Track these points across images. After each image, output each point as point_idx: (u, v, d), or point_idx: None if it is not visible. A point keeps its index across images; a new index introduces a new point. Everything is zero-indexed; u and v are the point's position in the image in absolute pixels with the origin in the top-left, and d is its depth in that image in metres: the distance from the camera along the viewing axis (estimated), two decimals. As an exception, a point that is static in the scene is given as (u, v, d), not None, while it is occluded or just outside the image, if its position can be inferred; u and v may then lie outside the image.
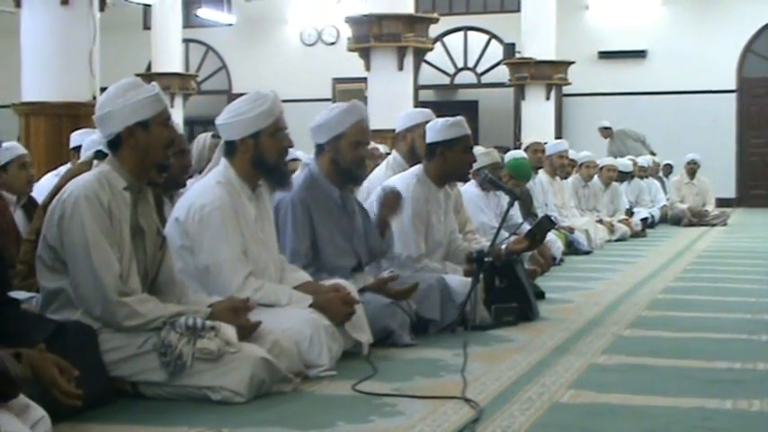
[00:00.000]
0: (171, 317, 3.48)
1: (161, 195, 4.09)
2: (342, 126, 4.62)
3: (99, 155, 3.73)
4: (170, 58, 19.81)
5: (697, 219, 13.88)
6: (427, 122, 5.82)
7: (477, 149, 7.42)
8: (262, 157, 4.07)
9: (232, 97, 21.64)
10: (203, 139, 6.30)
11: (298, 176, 4.70)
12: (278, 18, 22.15)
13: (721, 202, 16.07)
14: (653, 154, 15.48)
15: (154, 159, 3.60)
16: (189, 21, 20.96)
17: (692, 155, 15.00)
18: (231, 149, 4.11)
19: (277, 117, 4.10)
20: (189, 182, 4.79)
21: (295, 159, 7.32)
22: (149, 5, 20.20)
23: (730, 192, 19.18)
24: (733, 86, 19.77)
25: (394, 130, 6.42)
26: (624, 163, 13.47)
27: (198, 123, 21.22)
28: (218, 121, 4.14)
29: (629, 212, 12.38)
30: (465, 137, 5.34)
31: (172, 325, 3.44)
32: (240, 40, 22.33)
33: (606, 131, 16.65)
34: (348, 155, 4.62)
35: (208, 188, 4.05)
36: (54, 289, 3.50)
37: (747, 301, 6.24)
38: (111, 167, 3.55)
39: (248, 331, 3.63)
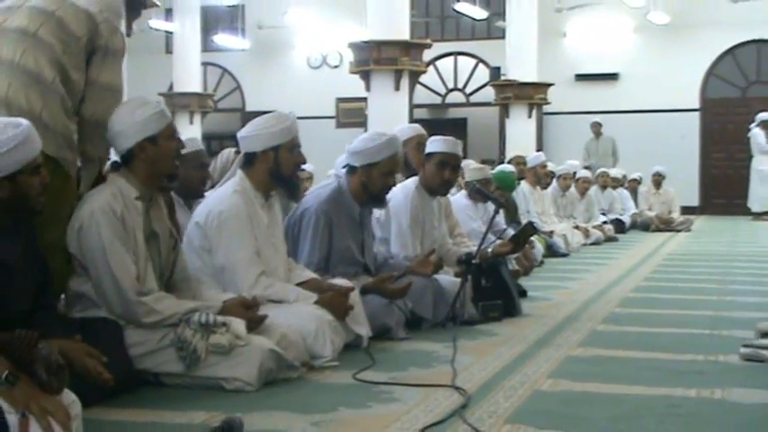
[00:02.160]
0: (186, 313, 3.48)
1: (172, 200, 4.09)
2: (378, 156, 4.65)
3: (114, 165, 3.69)
4: (190, 80, 19.83)
5: (664, 225, 13.89)
6: (419, 136, 5.84)
7: (471, 164, 7.44)
8: (279, 169, 4.10)
9: (246, 115, 21.83)
10: (227, 153, 6.30)
11: (325, 187, 4.71)
12: (287, 44, 22.15)
13: (686, 210, 16.06)
14: (615, 159, 15.51)
15: (163, 170, 3.60)
16: (207, 46, 20.99)
17: (658, 167, 15.04)
18: (251, 160, 4.13)
19: (295, 135, 4.14)
20: (207, 193, 4.80)
21: (301, 170, 7.29)
22: (171, 32, 20.23)
23: (694, 200, 19.17)
24: (697, 106, 19.76)
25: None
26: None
27: (214, 138, 21.23)
28: (242, 134, 4.16)
29: (612, 221, 12.47)
30: (440, 153, 5.30)
31: (187, 322, 3.45)
32: (253, 63, 22.33)
33: (597, 127, 16.86)
34: (379, 182, 4.66)
35: (225, 196, 4.07)
36: (78, 291, 3.50)
37: (710, 299, 6.23)
38: (125, 179, 3.55)
39: (256, 324, 3.63)
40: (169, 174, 3.65)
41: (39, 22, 3.64)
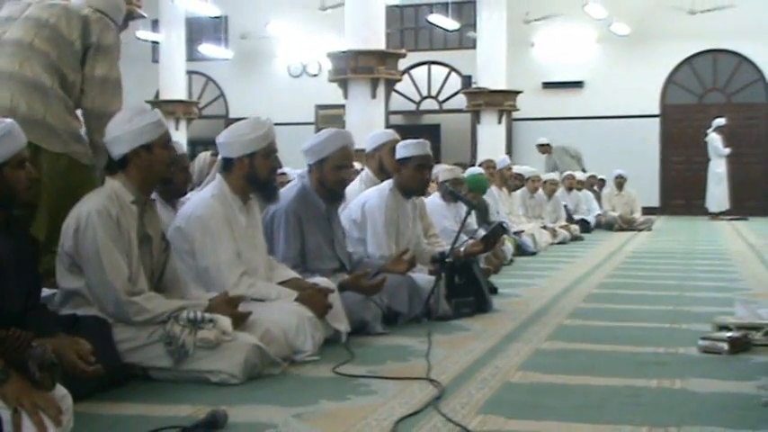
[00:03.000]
0: (175, 311, 3.47)
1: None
2: (327, 151, 4.62)
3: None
4: (175, 88, 19.77)
5: (626, 225, 13.95)
6: (392, 141, 5.85)
7: (442, 167, 7.45)
8: (255, 174, 4.07)
9: (229, 121, 21.72)
10: (203, 156, 6.30)
11: (291, 188, 4.70)
12: (268, 53, 22.11)
13: (647, 211, 16.14)
14: (584, 171, 15.30)
15: (157, 176, 3.59)
16: (192, 55, 20.96)
17: (619, 170, 15.11)
18: (228, 165, 4.10)
19: (271, 141, 4.11)
20: (190, 193, 4.79)
21: (282, 173, 7.27)
22: (158, 42, 20.14)
23: (655, 201, 19.27)
24: (657, 112, 19.87)
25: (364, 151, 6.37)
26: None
27: (199, 144, 21.13)
28: (220, 139, 4.13)
29: (577, 221, 12.50)
30: (416, 156, 5.32)
31: (176, 318, 3.45)
32: (236, 71, 22.27)
33: (544, 148, 16.18)
34: (331, 176, 4.63)
35: (204, 200, 4.06)
36: (72, 289, 3.48)
37: (670, 294, 6.25)
38: (121, 184, 3.54)
39: (241, 320, 3.62)
40: (163, 179, 3.65)
41: (33, 33, 3.71)
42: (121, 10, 4.19)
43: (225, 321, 3.49)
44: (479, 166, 9.82)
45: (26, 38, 3.71)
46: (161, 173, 3.59)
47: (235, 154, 4.07)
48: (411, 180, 5.32)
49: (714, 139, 16.96)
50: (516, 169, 11.10)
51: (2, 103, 3.67)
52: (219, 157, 4.18)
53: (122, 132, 3.53)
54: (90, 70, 3.89)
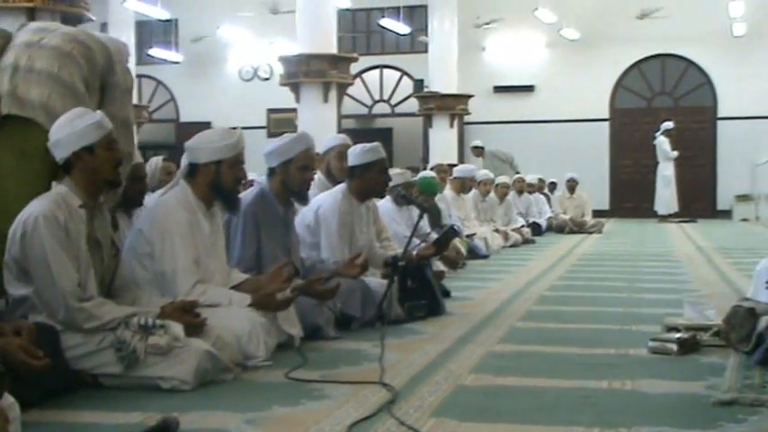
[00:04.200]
0: (126, 317, 3.43)
1: (115, 211, 4.05)
2: (291, 153, 4.63)
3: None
4: (125, 91, 19.50)
5: (577, 227, 14.09)
6: (340, 146, 5.86)
7: (393, 170, 7.45)
8: (219, 182, 4.06)
9: (179, 125, 21.64)
10: (155, 162, 6.25)
11: (250, 192, 4.70)
12: (219, 57, 22.00)
13: (597, 213, 16.31)
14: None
15: (103, 179, 3.55)
16: (141, 59, 20.80)
17: (571, 174, 15.25)
18: (193, 171, 4.08)
19: (239, 151, 4.10)
20: (146, 199, 4.76)
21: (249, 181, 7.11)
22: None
23: (605, 204, 19.49)
24: (606, 116, 20.11)
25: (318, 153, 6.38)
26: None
27: (149, 148, 20.92)
28: (188, 144, 4.12)
29: (528, 224, 12.58)
30: (380, 160, 5.36)
31: (126, 324, 3.40)
32: (186, 75, 22.12)
33: (477, 150, 16.06)
34: (297, 177, 4.64)
35: (168, 205, 4.03)
36: (20, 296, 3.43)
37: (620, 296, 6.32)
38: (67, 188, 3.49)
39: (196, 328, 3.59)
40: (110, 182, 3.59)
41: (71, 44, 3.88)
42: (129, 56, 4.49)
43: (176, 327, 3.46)
44: (431, 170, 9.85)
45: (66, 47, 3.86)
46: (106, 175, 3.55)
47: (201, 160, 4.06)
48: (375, 184, 5.35)
49: (662, 143, 17.20)
50: (481, 175, 11.18)
51: (40, 99, 3.76)
52: (186, 161, 4.15)
53: (63, 135, 3.49)
54: (115, 110, 4.06)
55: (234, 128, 4.20)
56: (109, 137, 3.55)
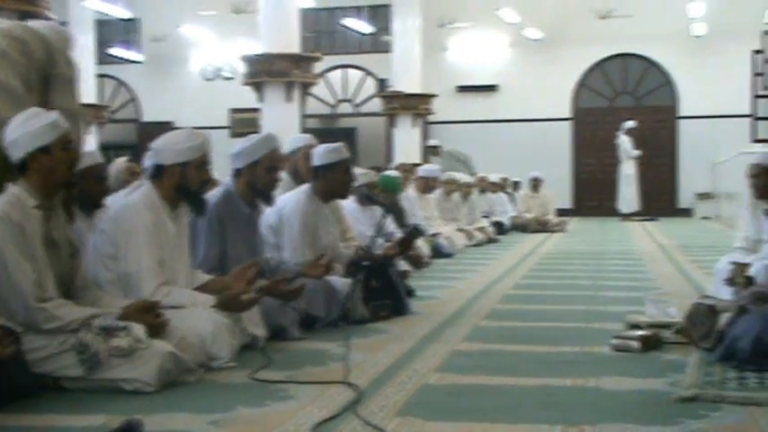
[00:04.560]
0: (87, 318, 3.40)
1: (72, 211, 4.01)
2: (258, 153, 4.63)
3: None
4: (85, 91, 19.32)
5: (541, 226, 14.17)
6: (307, 147, 5.85)
7: (357, 170, 7.46)
8: (185, 184, 4.04)
9: (141, 125, 21.50)
10: (119, 162, 6.20)
11: (215, 192, 4.68)
12: (181, 57, 21.87)
13: (561, 212, 16.42)
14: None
15: (58, 180, 3.51)
16: (102, 58, 20.58)
17: (535, 173, 15.34)
18: (159, 172, 4.05)
19: (205, 153, 4.08)
20: (109, 200, 4.73)
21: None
22: (66, 45, 19.69)
23: (567, 203, 19.62)
24: (569, 115, 20.25)
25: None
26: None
27: (111, 149, 20.74)
28: (154, 145, 4.10)
29: (492, 223, 12.63)
30: (344, 161, 5.35)
31: (88, 326, 3.38)
32: (148, 75, 21.97)
33: (434, 150, 16.10)
34: (264, 178, 4.64)
35: (133, 206, 4.00)
36: None
37: (583, 294, 6.36)
38: (22, 189, 3.46)
39: (158, 328, 3.57)
40: (65, 183, 3.56)
41: (5, 41, 3.79)
42: (73, 43, 4.35)
43: (138, 329, 3.43)
44: (395, 169, 9.88)
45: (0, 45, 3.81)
46: (62, 176, 3.51)
47: (167, 162, 4.04)
48: (339, 184, 5.34)
49: (624, 142, 17.37)
50: (445, 175, 11.22)
51: None
52: (151, 162, 4.13)
53: (18, 135, 3.46)
54: (56, 100, 3.99)
55: (197, 128, 4.18)
56: (65, 137, 3.52)
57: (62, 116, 3.66)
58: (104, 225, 4.04)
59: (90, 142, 17.93)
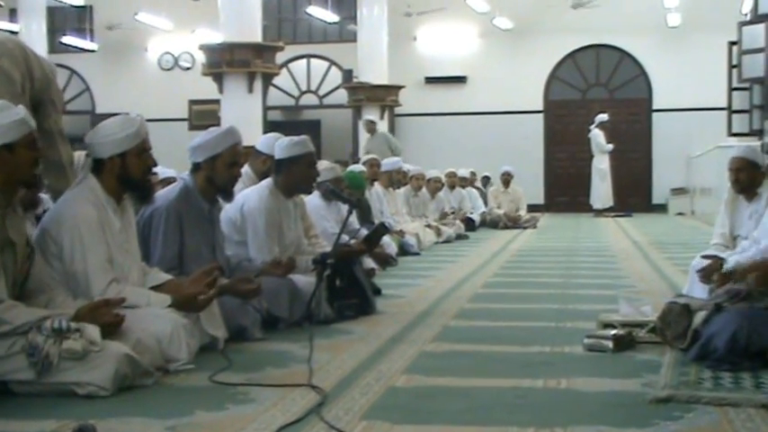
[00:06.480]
0: (38, 321, 3.36)
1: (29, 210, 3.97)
2: (219, 148, 4.60)
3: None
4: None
5: (512, 222, 14.24)
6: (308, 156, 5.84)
7: (321, 164, 7.43)
8: (128, 174, 3.98)
9: (95, 117, 21.29)
10: (77, 156, 6.12)
11: (173, 188, 4.65)
12: (137, 46, 21.72)
13: (532, 208, 16.49)
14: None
15: (20, 178, 3.48)
16: (54, 47, 20.37)
17: (506, 167, 15.39)
18: (99, 167, 4.00)
19: (143, 138, 4.02)
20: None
21: (168, 179, 6.97)
22: (16, 33, 19.51)
23: (539, 199, 19.71)
24: (540, 108, 20.34)
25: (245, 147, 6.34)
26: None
27: (64, 141, 20.62)
28: (88, 140, 4.02)
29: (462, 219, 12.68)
30: (308, 154, 5.34)
31: (38, 328, 3.34)
32: (102, 64, 21.80)
33: (371, 125, 15.73)
34: (224, 174, 4.61)
35: (74, 202, 3.94)
36: None
37: (555, 293, 6.40)
38: None
39: (114, 327, 3.54)
40: (26, 182, 3.52)
41: (11, 44, 4.03)
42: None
43: (93, 330, 3.40)
44: (363, 164, 9.86)
45: (8, 44, 4.06)
46: (23, 175, 3.47)
47: (105, 154, 3.98)
48: (303, 179, 5.33)
49: (597, 135, 17.47)
50: (413, 170, 11.22)
51: None
52: (88, 157, 4.07)
53: None
54: (50, 125, 4.31)
55: (128, 113, 4.16)
56: (31, 135, 3.48)
57: (57, 139, 3.85)
58: (46, 223, 3.96)
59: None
